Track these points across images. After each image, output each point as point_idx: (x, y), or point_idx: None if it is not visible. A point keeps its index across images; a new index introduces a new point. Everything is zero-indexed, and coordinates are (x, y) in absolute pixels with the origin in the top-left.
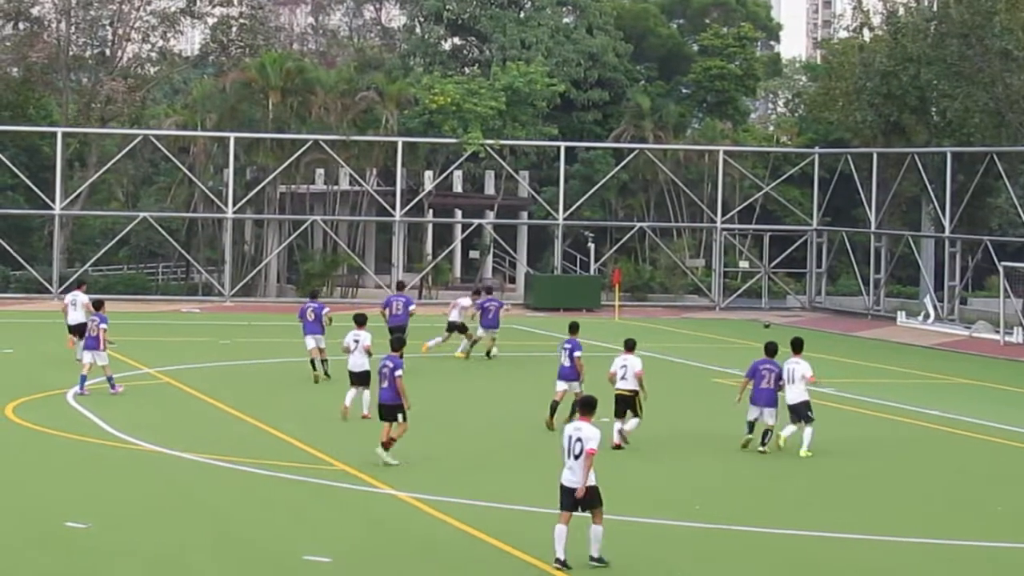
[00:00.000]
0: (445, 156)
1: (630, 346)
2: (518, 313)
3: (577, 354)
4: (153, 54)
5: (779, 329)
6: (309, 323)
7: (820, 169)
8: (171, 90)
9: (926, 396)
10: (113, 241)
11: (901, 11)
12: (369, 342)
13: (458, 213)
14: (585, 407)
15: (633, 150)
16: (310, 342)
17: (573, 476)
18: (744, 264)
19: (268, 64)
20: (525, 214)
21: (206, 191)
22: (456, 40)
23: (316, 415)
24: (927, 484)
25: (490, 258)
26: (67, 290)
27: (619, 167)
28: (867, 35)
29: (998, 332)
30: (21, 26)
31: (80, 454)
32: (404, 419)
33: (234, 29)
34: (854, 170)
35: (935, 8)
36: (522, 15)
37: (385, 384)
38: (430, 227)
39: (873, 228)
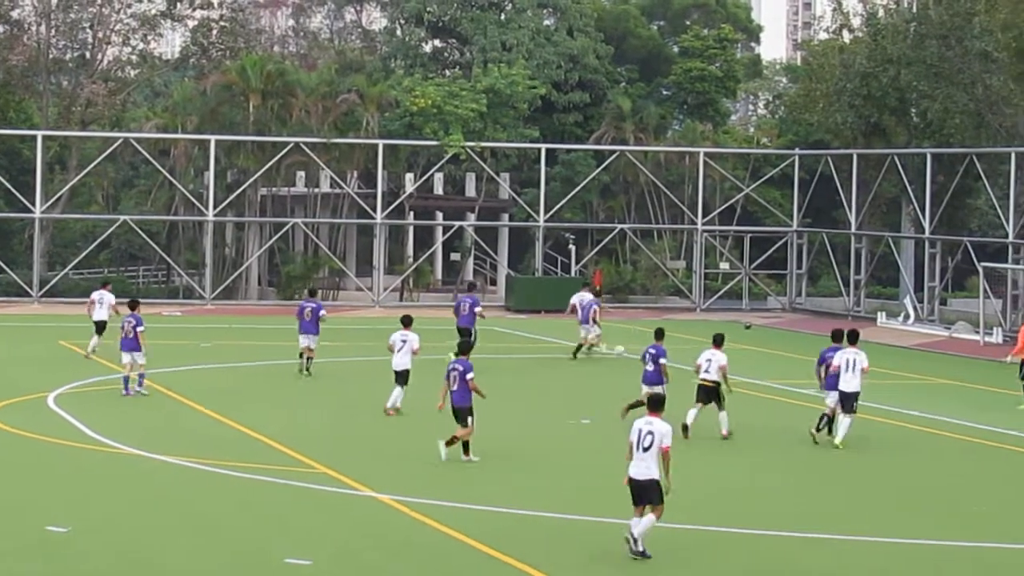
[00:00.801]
0: (426, 158)
1: (718, 341)
2: (499, 315)
3: (662, 360)
4: (133, 57)
5: (760, 330)
6: (305, 322)
7: (800, 170)
8: (151, 93)
9: (906, 396)
10: (94, 244)
11: (881, 13)
12: (417, 344)
13: (439, 215)
14: (654, 403)
15: (614, 152)
16: (303, 340)
17: (641, 468)
18: (725, 265)
19: (249, 67)
20: (506, 216)
21: (187, 194)
22: (437, 42)
23: (298, 418)
24: (907, 484)
25: (471, 260)
26: (47, 294)
27: (600, 169)
28: (847, 37)
29: (978, 333)
30: (1, 29)
31: (61, 458)
32: (471, 423)
33: (214, 32)
34: (834, 171)
35: (915, 9)
36: (503, 17)
37: (456, 387)
38: (411, 229)
39: (853, 229)
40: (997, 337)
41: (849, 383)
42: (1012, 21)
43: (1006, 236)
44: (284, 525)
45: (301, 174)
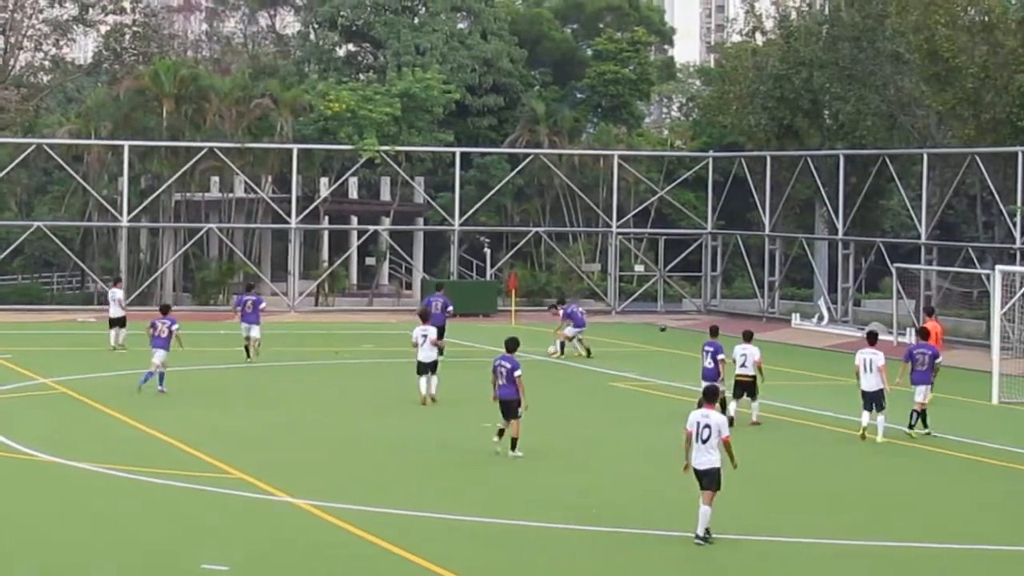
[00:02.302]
0: (340, 163)
1: (748, 337)
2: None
3: (720, 356)
4: (46, 63)
5: (676, 332)
6: (247, 314)
7: (714, 173)
8: (65, 99)
9: (821, 398)
10: (7, 251)
11: (793, 15)
12: (435, 335)
13: (354, 220)
14: (710, 395)
15: (528, 155)
16: (247, 330)
17: (702, 458)
18: (639, 268)
19: (162, 72)
20: (421, 220)
21: (100, 200)
22: (351, 46)
23: (213, 423)
24: (824, 485)
25: (386, 264)
26: None
27: (514, 172)
28: (760, 39)
29: (891, 333)
30: None
31: None
32: (519, 416)
33: (127, 37)
34: (748, 173)
35: (827, 12)
36: (416, 21)
37: (503, 382)
38: (326, 234)
39: (767, 231)
40: (910, 338)
41: (871, 381)
42: (923, 23)
43: (918, 237)
44: (200, 531)
45: (215, 179)
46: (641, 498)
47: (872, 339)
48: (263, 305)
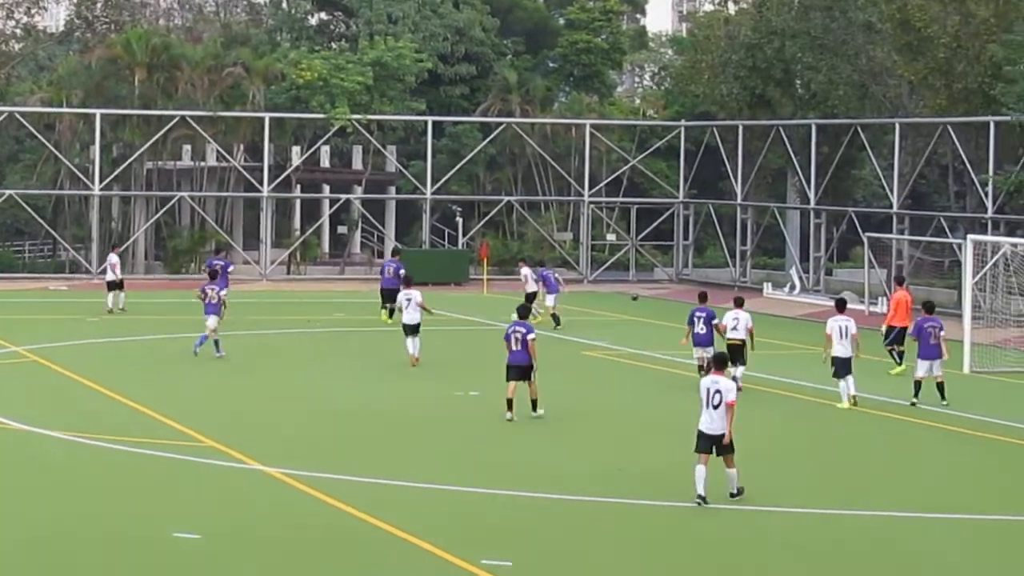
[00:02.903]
0: (312, 131)
1: (740, 303)
2: None
3: (715, 321)
4: (18, 30)
5: (648, 301)
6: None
7: (686, 142)
8: (36, 67)
9: (793, 367)
10: None
11: None
12: (420, 298)
13: (326, 188)
14: (719, 362)
15: (500, 124)
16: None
17: (712, 423)
18: (611, 237)
19: (134, 40)
20: (393, 189)
21: (72, 168)
22: (323, 15)
23: (185, 392)
24: (799, 454)
25: (358, 233)
26: None
27: (486, 141)
28: (732, 8)
29: (863, 302)
30: None
31: None
32: (534, 379)
33: (99, 5)
34: (720, 143)
35: None
36: None
37: (517, 347)
38: (298, 203)
39: (739, 200)
40: (882, 307)
41: (845, 349)
42: None
43: (890, 206)
44: (172, 499)
45: (187, 148)
46: (621, 467)
47: (841, 306)
48: (231, 268)
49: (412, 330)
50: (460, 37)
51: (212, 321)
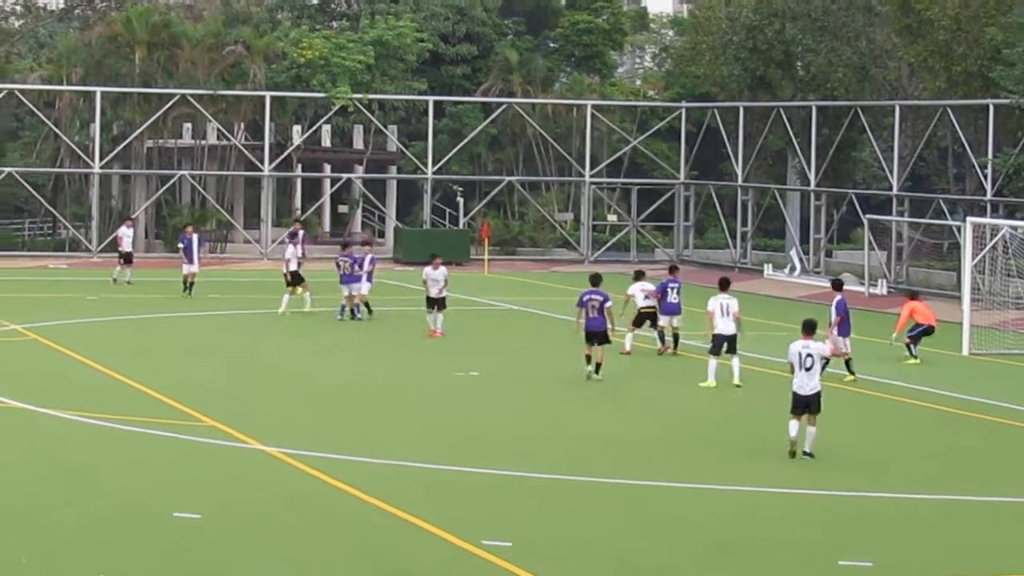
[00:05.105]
0: (313, 110)
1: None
2: (387, 267)
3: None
4: (18, 7)
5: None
6: (187, 249)
7: (687, 123)
8: (36, 44)
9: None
10: None
11: None
12: (439, 276)
13: (327, 168)
14: (808, 328)
15: (501, 104)
16: (187, 268)
17: (807, 385)
18: (612, 218)
19: (134, 18)
20: (394, 168)
21: (72, 146)
22: None
23: (185, 371)
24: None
25: (359, 213)
26: None
27: (487, 121)
28: None
29: (863, 284)
30: None
31: None
32: (609, 342)
33: None
34: (721, 124)
35: None
36: None
37: (594, 314)
38: (299, 182)
39: (740, 182)
40: (882, 289)
41: (728, 325)
42: None
43: (890, 188)
44: (171, 479)
45: (188, 126)
46: (615, 450)
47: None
48: (206, 245)
49: (438, 304)
50: (461, 17)
51: (346, 290)
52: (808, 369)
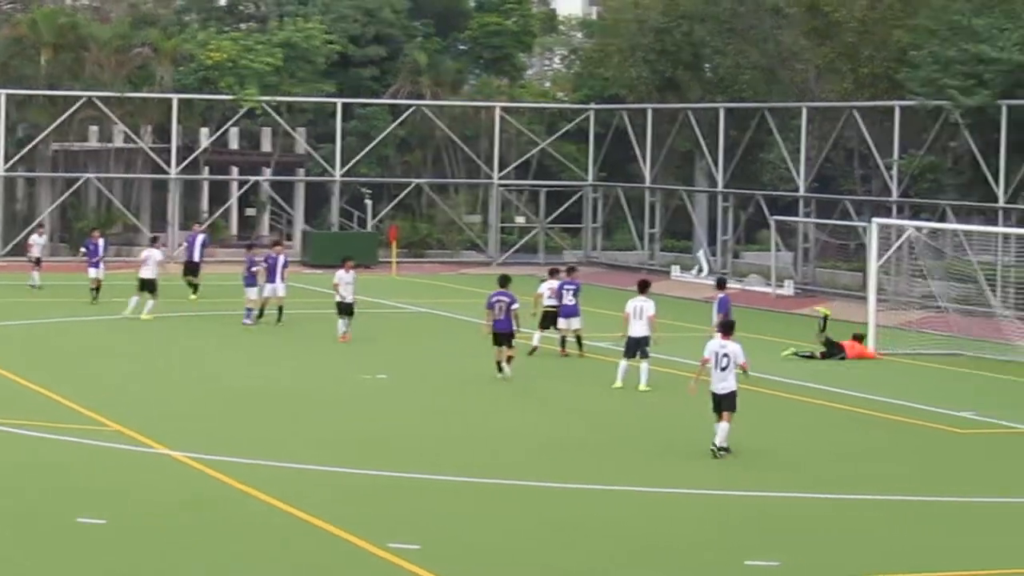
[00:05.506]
0: (221, 113)
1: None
2: (296, 270)
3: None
4: None
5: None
6: (93, 254)
7: (596, 125)
8: None
9: (699, 349)
10: None
11: None
12: (351, 279)
13: (234, 170)
14: (726, 328)
15: (410, 106)
16: (92, 272)
17: (721, 384)
18: (521, 220)
19: (40, 19)
20: (302, 171)
21: None
22: None
23: (89, 375)
24: (697, 436)
25: (267, 215)
26: None
27: (396, 123)
28: None
29: (770, 285)
30: None
31: None
32: (513, 345)
33: None
34: (629, 126)
35: None
36: None
37: (500, 316)
38: (206, 184)
39: (648, 183)
40: (789, 289)
41: (639, 328)
42: None
43: (797, 190)
44: (76, 484)
45: (94, 129)
46: (525, 451)
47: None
48: (101, 253)
49: (346, 310)
50: (370, 18)
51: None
52: (723, 368)
